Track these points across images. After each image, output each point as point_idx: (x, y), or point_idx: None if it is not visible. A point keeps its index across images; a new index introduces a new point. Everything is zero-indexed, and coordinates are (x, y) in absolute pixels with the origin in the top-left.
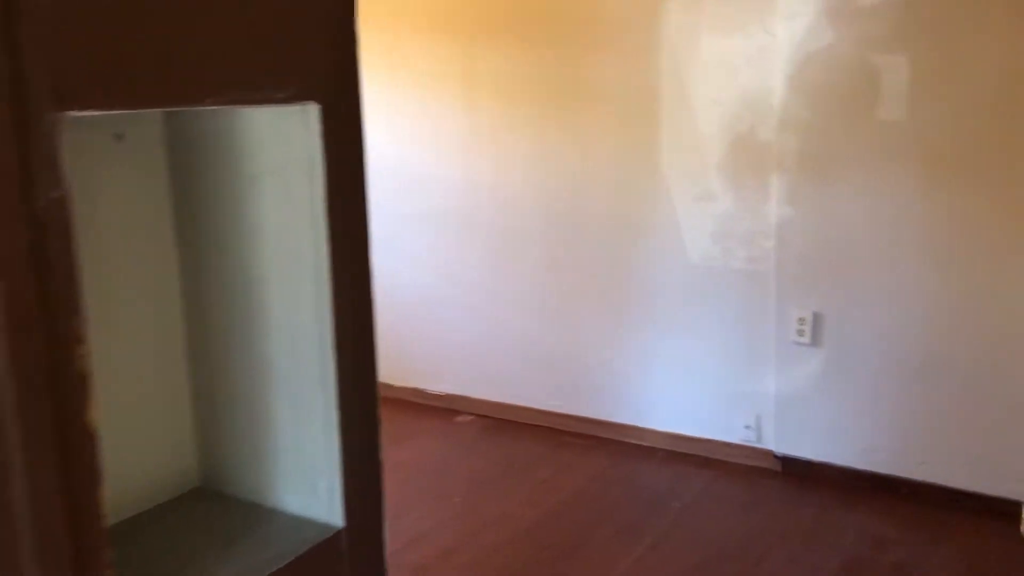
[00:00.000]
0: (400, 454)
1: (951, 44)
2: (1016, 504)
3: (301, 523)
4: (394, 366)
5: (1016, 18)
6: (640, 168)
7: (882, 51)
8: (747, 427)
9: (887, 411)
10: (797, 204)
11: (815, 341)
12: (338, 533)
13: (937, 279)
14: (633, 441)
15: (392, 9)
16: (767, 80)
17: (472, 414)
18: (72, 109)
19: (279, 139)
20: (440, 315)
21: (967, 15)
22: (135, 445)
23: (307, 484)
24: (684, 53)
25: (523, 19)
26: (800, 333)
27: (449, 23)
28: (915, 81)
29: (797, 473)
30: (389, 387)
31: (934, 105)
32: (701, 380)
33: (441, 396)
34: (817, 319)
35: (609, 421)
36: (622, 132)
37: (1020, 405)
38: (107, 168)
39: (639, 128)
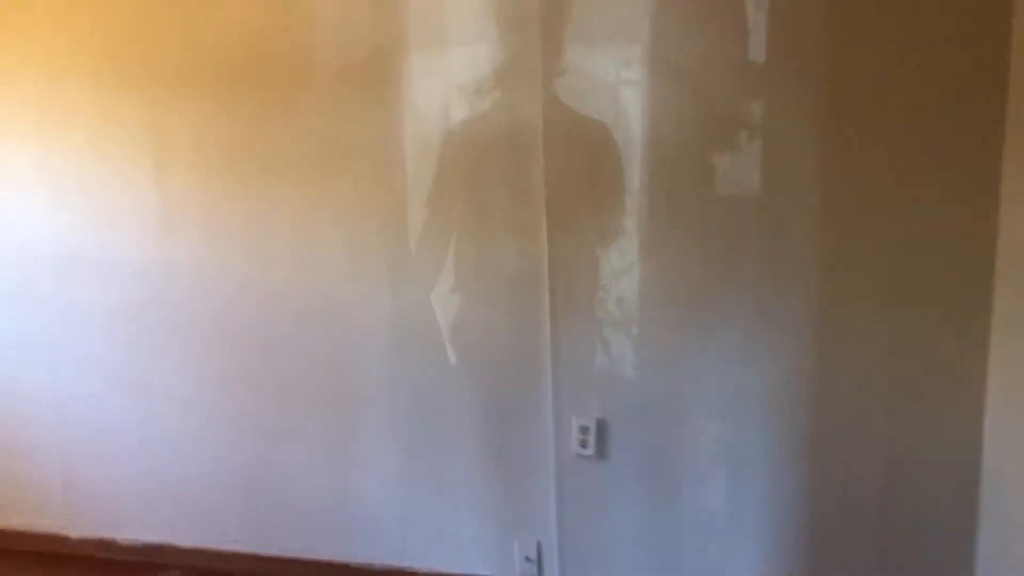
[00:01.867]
0: None
1: None
2: None
3: None
4: (72, 512)
5: None
6: (381, 252)
7: None
8: (528, 559)
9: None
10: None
11: (600, 453)
12: None
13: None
14: None
15: (48, 49)
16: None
17: (179, 567)
18: None
19: None
20: (133, 442)
21: None
22: None
23: None
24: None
25: (231, 65)
26: (583, 444)
27: (130, 70)
28: None
29: None
30: (65, 540)
31: None
32: (468, 505)
33: (137, 547)
34: (601, 427)
35: (359, 565)
36: (357, 207)
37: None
38: None
39: (377, 203)
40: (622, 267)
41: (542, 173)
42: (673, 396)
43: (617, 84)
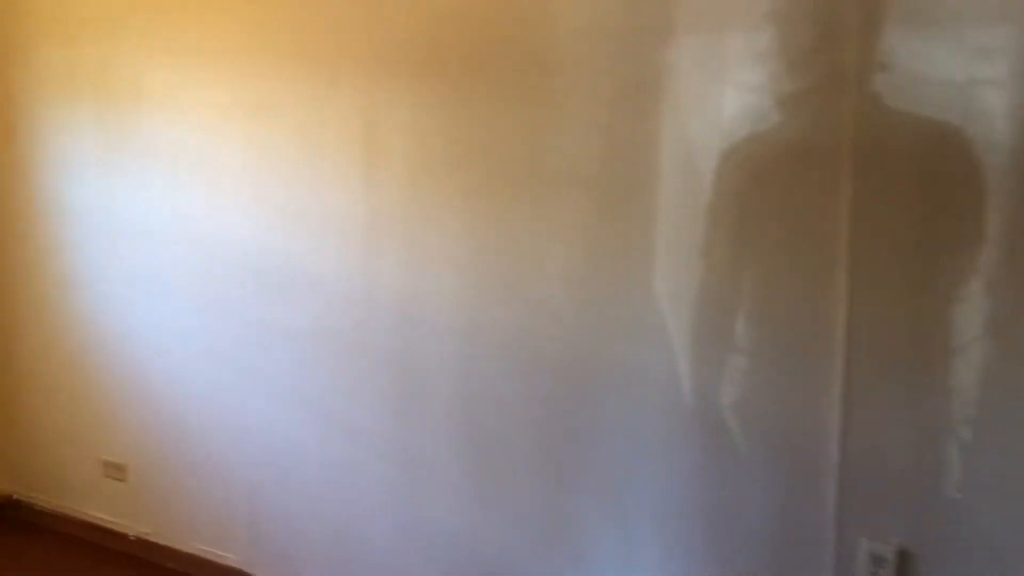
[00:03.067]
0: None
1: None
2: None
3: None
4: (256, 550)
5: None
6: (616, 293)
7: None
8: None
9: None
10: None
11: None
12: None
13: None
14: None
15: (258, 37)
16: None
17: None
18: None
19: None
20: (318, 481)
21: None
22: None
23: None
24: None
25: (452, 53)
26: None
27: (342, 61)
28: None
29: None
30: None
31: None
32: None
33: None
34: (904, 560)
35: None
36: (587, 234)
37: None
38: None
39: (617, 232)
40: (960, 340)
41: (847, 200)
42: (1019, 536)
43: (968, 84)
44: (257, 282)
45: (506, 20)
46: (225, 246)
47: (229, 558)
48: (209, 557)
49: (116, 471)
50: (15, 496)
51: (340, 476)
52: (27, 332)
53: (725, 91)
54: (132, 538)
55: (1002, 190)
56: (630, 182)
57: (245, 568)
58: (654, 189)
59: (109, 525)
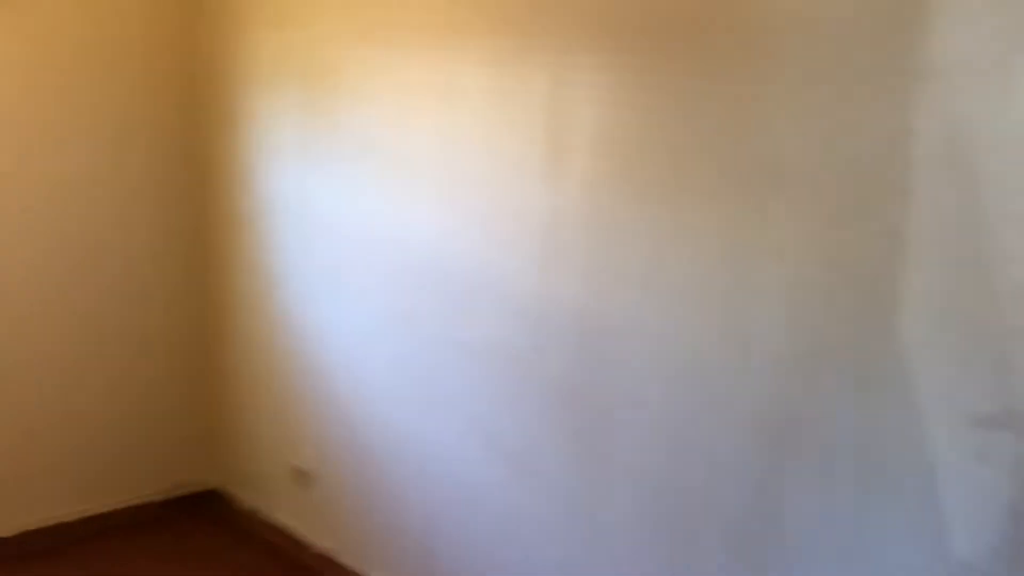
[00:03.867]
0: None
1: None
2: None
3: None
4: None
5: None
6: (858, 325)
7: None
8: None
9: None
10: None
11: None
12: None
13: None
14: None
15: (444, 14)
16: None
17: None
18: None
19: None
20: (495, 520)
21: None
22: None
23: None
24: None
25: (652, 20)
26: None
27: (533, 31)
28: None
29: None
30: None
31: None
32: None
33: None
34: None
35: None
36: (810, 253)
37: None
38: None
39: (856, 241)
40: None
41: None
42: None
43: None
44: (434, 290)
45: None
46: (406, 248)
47: None
48: None
49: (304, 478)
50: (218, 489)
51: (512, 519)
52: (236, 326)
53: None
54: (315, 551)
55: None
56: (871, 183)
57: None
58: (906, 192)
59: (296, 533)
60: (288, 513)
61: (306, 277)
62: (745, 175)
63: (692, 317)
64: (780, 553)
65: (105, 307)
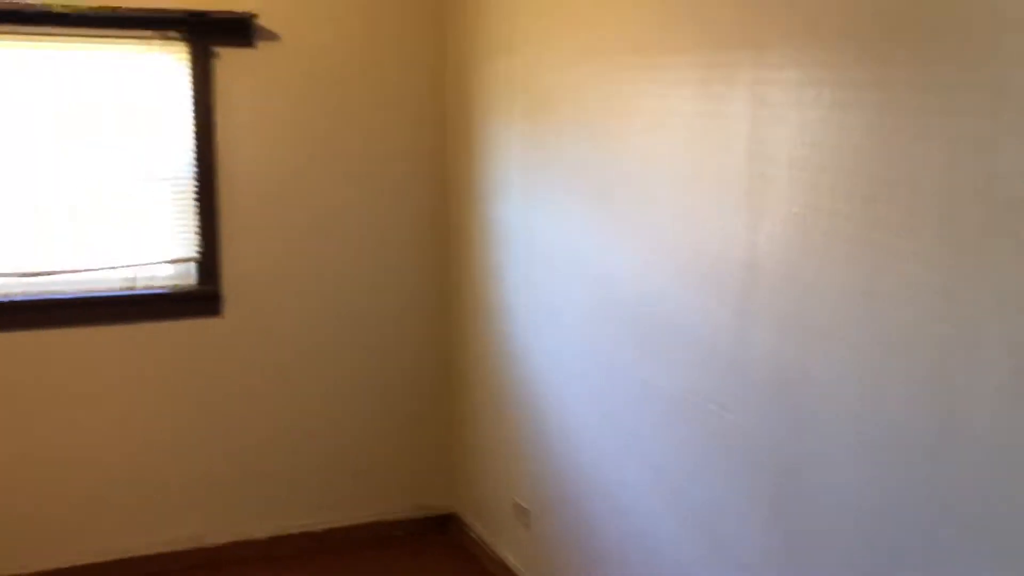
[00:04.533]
0: None
1: None
2: None
3: None
4: None
5: None
6: None
7: None
8: None
9: None
10: None
11: None
12: None
13: None
14: None
15: (641, 20)
16: None
17: None
18: None
19: None
20: None
21: None
22: None
23: None
24: None
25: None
26: None
27: (732, 41)
28: None
29: None
30: None
31: None
32: None
33: None
34: None
35: None
36: None
37: None
38: None
39: None
40: None
41: None
42: None
43: None
44: (629, 328)
45: None
46: (607, 281)
47: None
48: None
49: (523, 515)
50: (456, 514)
51: None
52: (472, 354)
53: None
54: None
55: None
56: None
57: None
58: None
59: (515, 570)
60: (510, 548)
61: (528, 310)
62: (978, 213)
63: (896, 382)
64: None
65: (373, 339)
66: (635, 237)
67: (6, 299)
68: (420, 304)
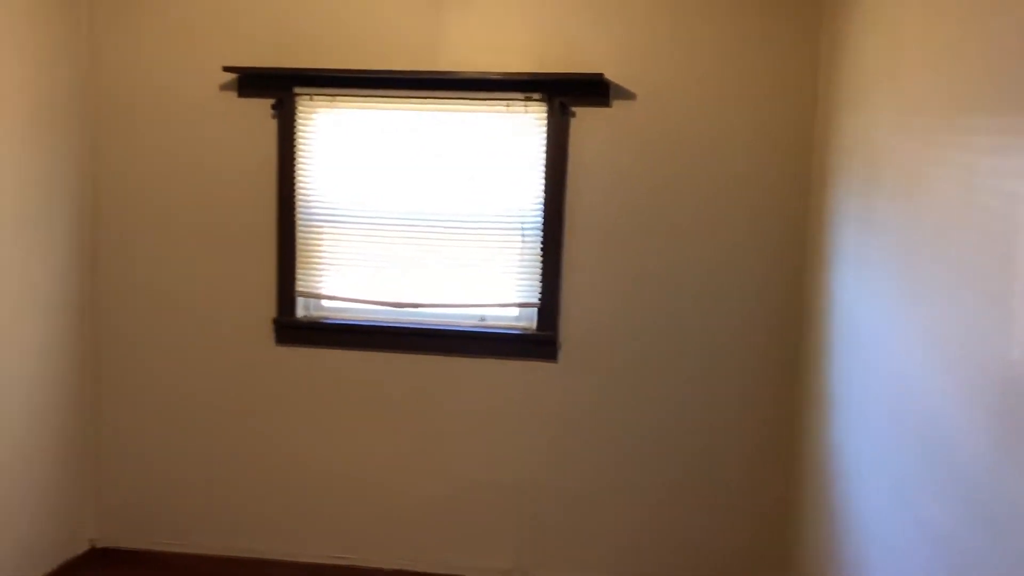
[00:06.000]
0: None
1: None
2: None
3: None
4: None
5: None
6: None
7: None
8: None
9: None
10: None
11: None
12: None
13: None
14: None
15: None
16: None
17: None
18: None
19: None
20: None
21: None
22: None
23: None
24: None
25: None
26: None
27: None
28: None
29: None
30: None
31: None
32: None
33: None
34: None
35: None
36: None
37: None
38: None
39: None
40: None
41: None
42: None
43: None
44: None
45: None
46: (901, 379)
47: None
48: None
49: None
50: None
51: None
52: (805, 429)
53: None
54: None
55: None
56: None
57: None
58: None
59: None
60: None
61: (850, 403)
62: None
63: None
64: None
65: (705, 405)
66: (936, 341)
67: (386, 324)
68: (761, 371)
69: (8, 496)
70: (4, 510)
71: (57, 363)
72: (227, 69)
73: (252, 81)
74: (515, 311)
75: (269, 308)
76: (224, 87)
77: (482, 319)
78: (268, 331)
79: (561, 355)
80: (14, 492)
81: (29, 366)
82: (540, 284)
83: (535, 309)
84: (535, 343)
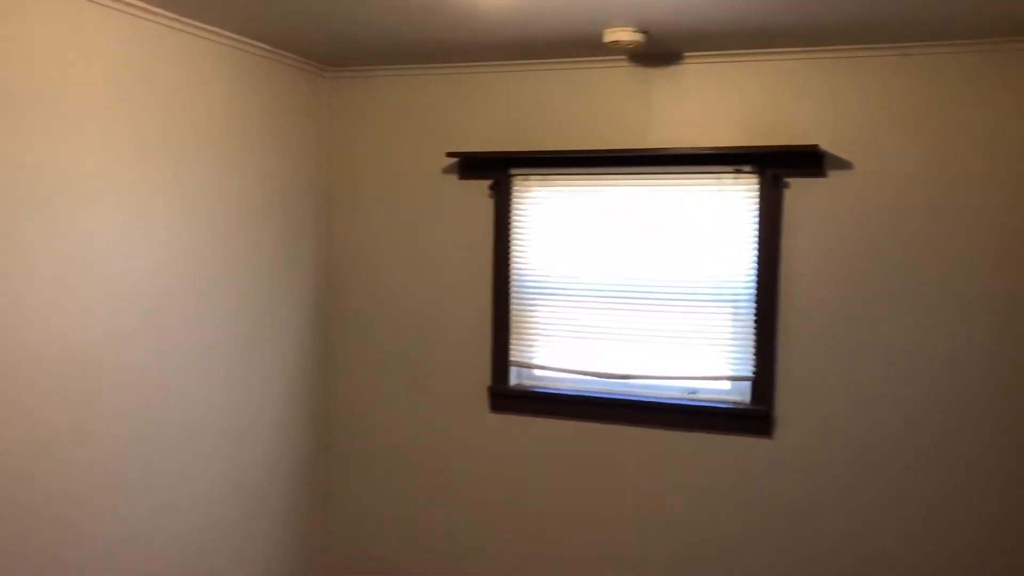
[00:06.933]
0: None
1: None
2: None
3: None
4: None
5: None
6: None
7: None
8: None
9: None
10: None
11: None
12: None
13: None
14: None
15: None
16: None
17: None
18: None
19: None
20: None
21: None
22: None
23: None
24: None
25: None
26: None
27: None
28: None
29: None
30: None
31: None
32: None
33: None
34: None
35: None
36: None
37: None
38: None
39: None
40: None
41: None
42: None
43: None
44: None
45: None
46: None
47: None
48: None
49: None
50: None
51: None
52: None
53: None
54: None
55: None
56: None
57: None
58: None
59: None
60: None
61: None
62: None
63: None
64: None
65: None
66: None
67: (595, 395)
68: (991, 454)
69: (240, 551)
70: (236, 565)
71: (297, 419)
72: (450, 154)
73: (472, 164)
74: (727, 384)
75: (485, 376)
76: (446, 170)
77: (692, 392)
78: (483, 398)
79: (777, 431)
80: (246, 547)
81: (268, 427)
82: (754, 356)
83: (748, 383)
84: (749, 418)
